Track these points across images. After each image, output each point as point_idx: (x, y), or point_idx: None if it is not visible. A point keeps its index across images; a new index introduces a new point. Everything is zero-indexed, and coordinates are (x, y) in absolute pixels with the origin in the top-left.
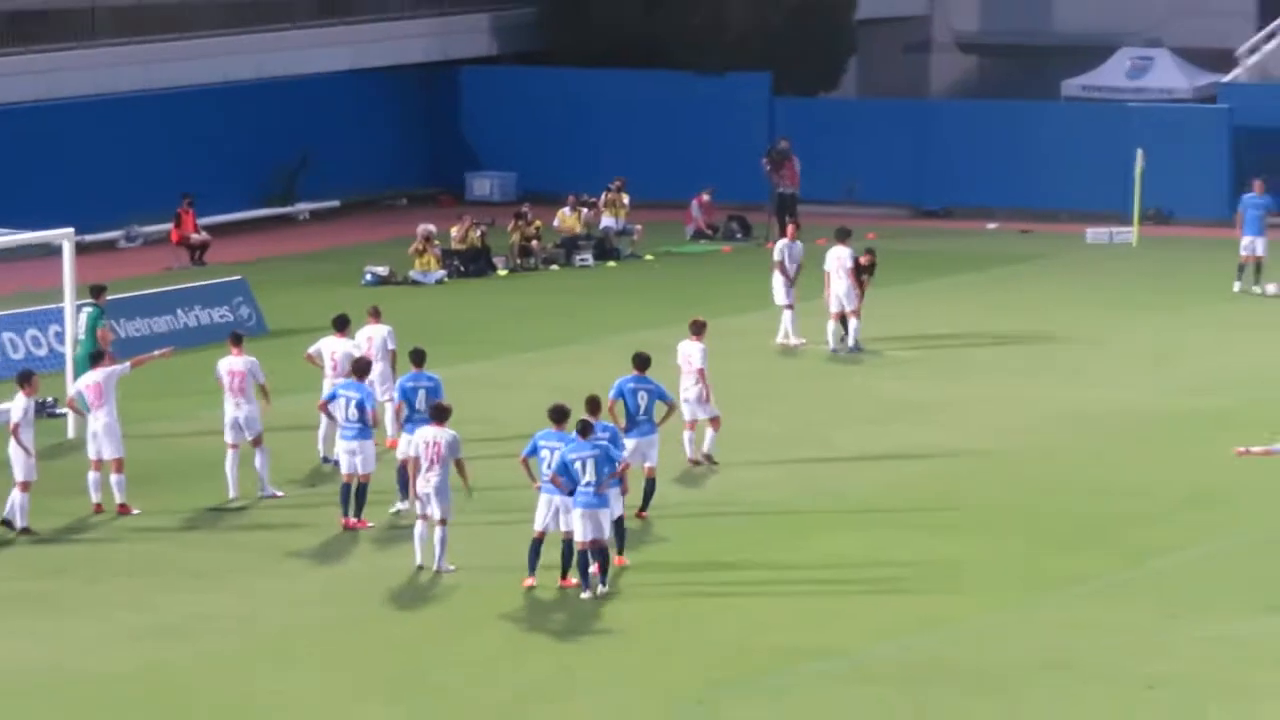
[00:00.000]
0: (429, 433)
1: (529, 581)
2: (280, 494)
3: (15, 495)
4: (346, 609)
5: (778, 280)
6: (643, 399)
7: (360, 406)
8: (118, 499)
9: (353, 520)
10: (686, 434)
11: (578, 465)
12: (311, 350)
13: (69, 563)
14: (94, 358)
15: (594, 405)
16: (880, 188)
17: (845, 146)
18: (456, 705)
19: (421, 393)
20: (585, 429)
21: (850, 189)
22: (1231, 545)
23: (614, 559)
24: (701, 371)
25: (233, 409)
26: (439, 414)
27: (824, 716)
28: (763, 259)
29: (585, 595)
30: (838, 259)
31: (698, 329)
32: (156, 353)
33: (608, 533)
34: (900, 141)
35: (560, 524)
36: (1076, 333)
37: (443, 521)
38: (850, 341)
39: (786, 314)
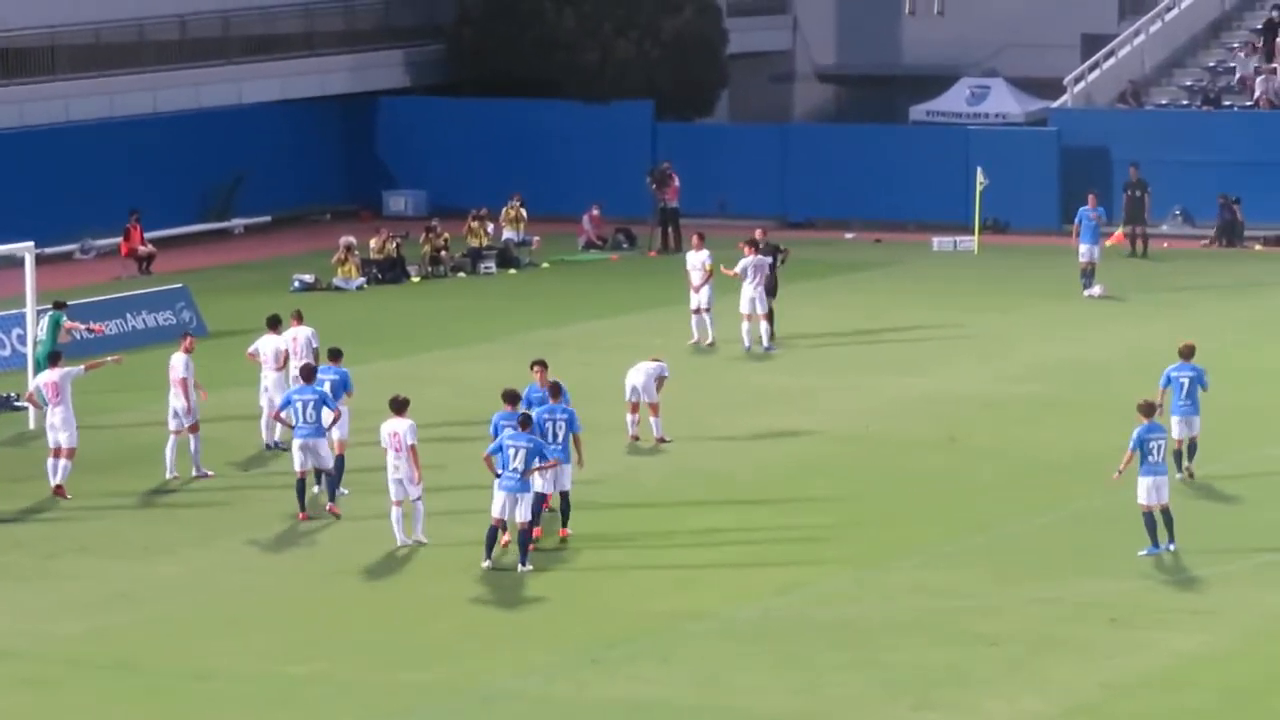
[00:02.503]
0: (391, 424)
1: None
2: (210, 474)
3: None
4: (281, 576)
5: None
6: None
7: (318, 407)
8: (55, 481)
9: (331, 507)
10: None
11: (511, 451)
12: (251, 349)
13: (26, 538)
14: (52, 357)
15: (514, 397)
16: (750, 201)
17: (719, 165)
18: (374, 658)
19: (326, 383)
20: (525, 422)
21: (722, 203)
22: (1060, 517)
23: (559, 530)
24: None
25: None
26: (399, 406)
27: (701, 668)
28: (646, 266)
29: (485, 565)
30: (754, 265)
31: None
32: (109, 359)
33: (527, 516)
34: (767, 161)
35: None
36: (926, 328)
37: (417, 499)
38: (765, 342)
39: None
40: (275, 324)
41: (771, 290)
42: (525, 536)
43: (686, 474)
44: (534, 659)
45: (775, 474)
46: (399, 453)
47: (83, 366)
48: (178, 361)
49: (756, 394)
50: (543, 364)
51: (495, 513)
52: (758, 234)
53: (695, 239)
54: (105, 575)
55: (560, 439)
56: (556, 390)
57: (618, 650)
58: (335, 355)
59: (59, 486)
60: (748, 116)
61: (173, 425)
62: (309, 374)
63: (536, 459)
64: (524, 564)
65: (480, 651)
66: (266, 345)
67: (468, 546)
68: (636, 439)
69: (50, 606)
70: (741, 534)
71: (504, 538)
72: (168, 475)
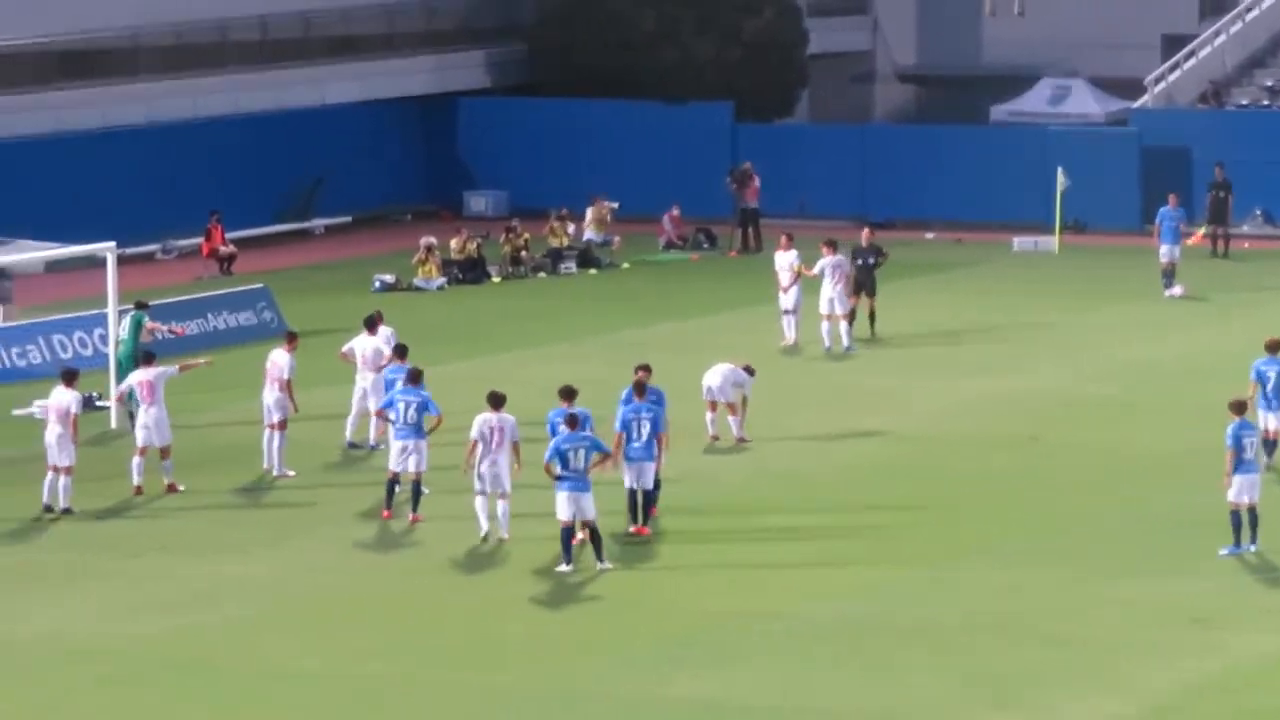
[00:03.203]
0: (490, 418)
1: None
2: (292, 473)
3: (60, 480)
4: (360, 576)
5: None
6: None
7: (420, 410)
8: (166, 480)
9: (412, 515)
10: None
11: (571, 453)
12: (345, 348)
13: (109, 539)
14: (146, 356)
15: (571, 393)
16: (830, 202)
17: (799, 166)
18: (452, 659)
19: (398, 383)
20: (572, 421)
21: (802, 204)
22: (1140, 516)
23: (635, 528)
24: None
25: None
26: (498, 401)
27: (779, 669)
28: (727, 266)
29: (564, 569)
30: (833, 265)
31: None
32: (201, 360)
33: (592, 514)
34: (847, 161)
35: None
36: (1006, 328)
37: (503, 495)
38: (845, 342)
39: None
40: (372, 324)
41: (871, 290)
42: (595, 534)
43: (765, 474)
44: (611, 659)
45: (854, 474)
46: (499, 447)
47: (177, 366)
48: (281, 359)
49: (836, 394)
50: (645, 369)
51: (563, 515)
52: (864, 235)
53: (783, 239)
54: (185, 574)
55: (645, 437)
56: (642, 388)
57: (695, 650)
58: (402, 352)
59: (171, 484)
60: (828, 117)
61: (268, 419)
62: (415, 375)
63: (597, 453)
64: (601, 561)
65: (559, 652)
66: (359, 346)
67: (546, 546)
68: (716, 439)
69: (131, 606)
70: (819, 534)
71: (580, 534)
72: (265, 467)
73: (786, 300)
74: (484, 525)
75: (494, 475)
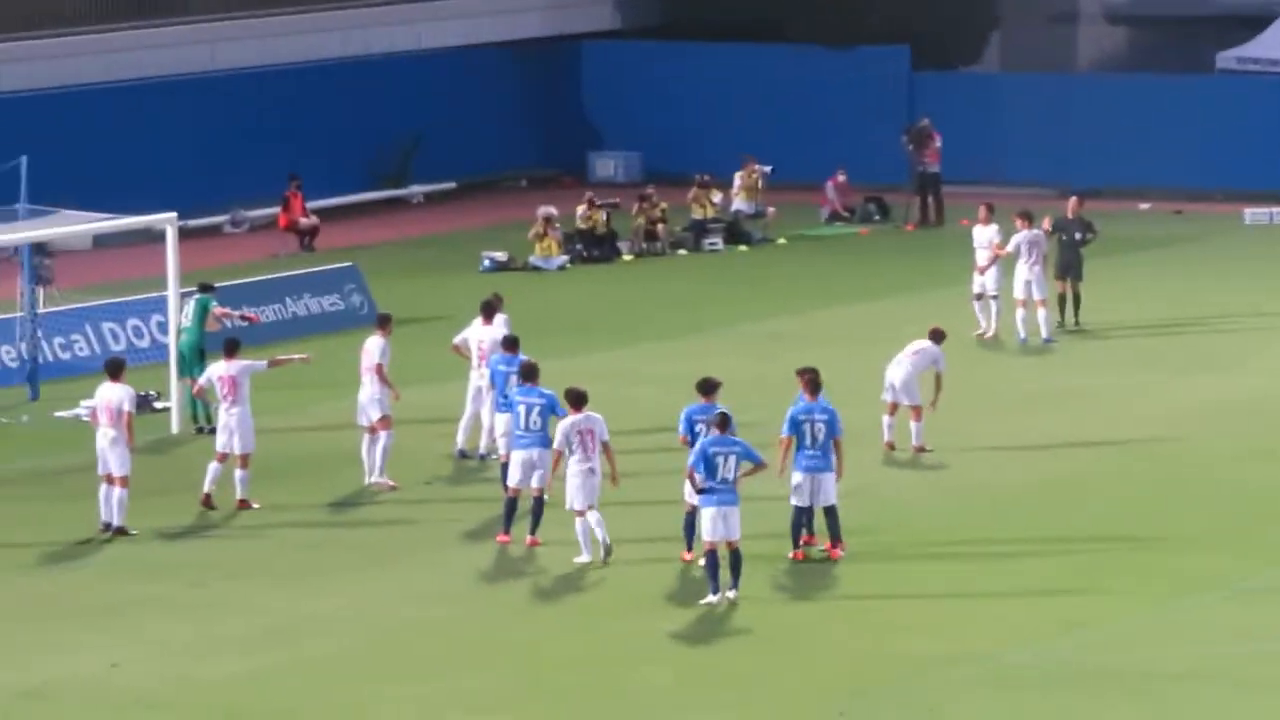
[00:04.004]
0: (578, 421)
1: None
2: (394, 484)
3: (115, 492)
4: (461, 608)
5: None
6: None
7: (544, 414)
8: (239, 494)
9: (530, 539)
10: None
11: (719, 459)
12: (458, 340)
13: (173, 564)
14: (230, 347)
15: (711, 386)
16: (1025, 165)
17: (988, 123)
18: (571, 710)
19: (513, 377)
20: (723, 422)
21: (991, 168)
22: None
23: (828, 549)
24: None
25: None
26: (579, 399)
27: None
28: (903, 241)
29: (713, 600)
30: (1029, 242)
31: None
32: (297, 357)
33: (738, 533)
34: (1046, 117)
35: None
36: (1237, 317)
37: (581, 512)
38: (1044, 332)
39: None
40: (489, 310)
41: (1077, 273)
42: (737, 557)
43: (949, 489)
44: (766, 711)
45: (1054, 490)
46: (591, 453)
47: (265, 361)
48: (373, 345)
49: (1033, 395)
50: (812, 372)
51: (709, 535)
52: (1071, 205)
53: (983, 211)
54: (259, 606)
55: (820, 443)
56: (815, 386)
57: (868, 700)
58: (512, 345)
59: (243, 499)
60: (1023, 65)
61: (363, 421)
62: (531, 372)
63: (749, 462)
64: (735, 588)
65: (700, 701)
66: (474, 336)
67: (678, 573)
68: (892, 447)
69: (194, 645)
70: (1013, 561)
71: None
72: (366, 480)
73: (983, 282)
74: (585, 553)
75: (591, 487)
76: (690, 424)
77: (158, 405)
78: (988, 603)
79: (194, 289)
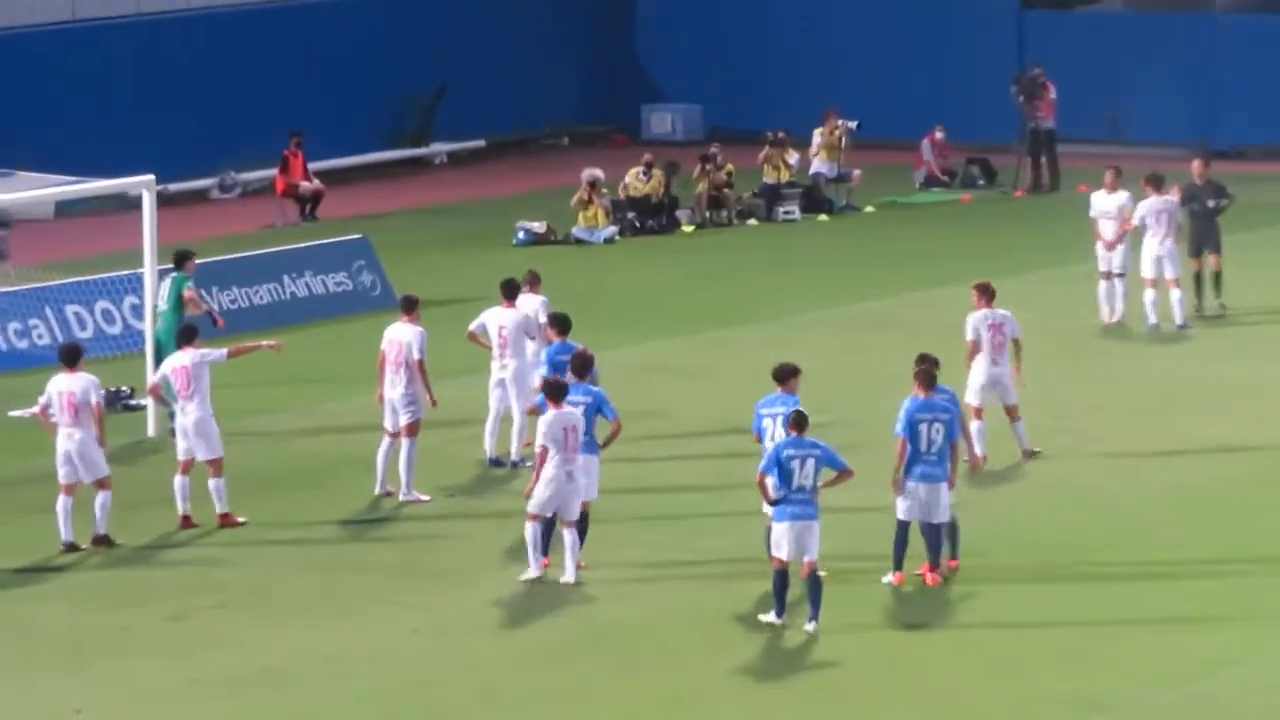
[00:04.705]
0: (565, 415)
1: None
2: (426, 498)
3: (97, 497)
4: (492, 645)
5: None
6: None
7: (591, 414)
8: (218, 508)
9: (575, 563)
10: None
11: (794, 463)
12: (474, 326)
13: (151, 591)
14: (186, 333)
15: (787, 373)
16: (1155, 121)
17: (1112, 71)
18: None
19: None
20: (799, 422)
21: (1114, 121)
22: None
23: (946, 562)
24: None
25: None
26: (558, 389)
27: None
28: (1012, 210)
29: (772, 619)
30: (1157, 211)
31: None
32: (264, 344)
33: (816, 552)
34: (1181, 64)
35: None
36: None
37: (569, 524)
38: (1177, 316)
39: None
40: (512, 290)
41: (1214, 246)
42: (816, 582)
43: (1064, 501)
44: None
45: (1192, 502)
46: (572, 454)
47: (225, 351)
48: (406, 334)
49: (1165, 391)
50: (930, 362)
51: (778, 552)
52: (1195, 167)
53: (1110, 176)
54: (253, 643)
55: (938, 447)
56: (930, 380)
57: None
58: (562, 325)
59: (225, 514)
60: (1152, 4)
61: (389, 425)
62: (583, 366)
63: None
64: (814, 620)
65: None
66: (494, 321)
67: (747, 602)
68: (983, 461)
69: (178, 688)
70: (1149, 585)
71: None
72: (377, 490)
73: (1111, 259)
74: (535, 567)
75: (571, 492)
76: (761, 422)
77: (132, 403)
78: (1123, 634)
79: (171, 265)
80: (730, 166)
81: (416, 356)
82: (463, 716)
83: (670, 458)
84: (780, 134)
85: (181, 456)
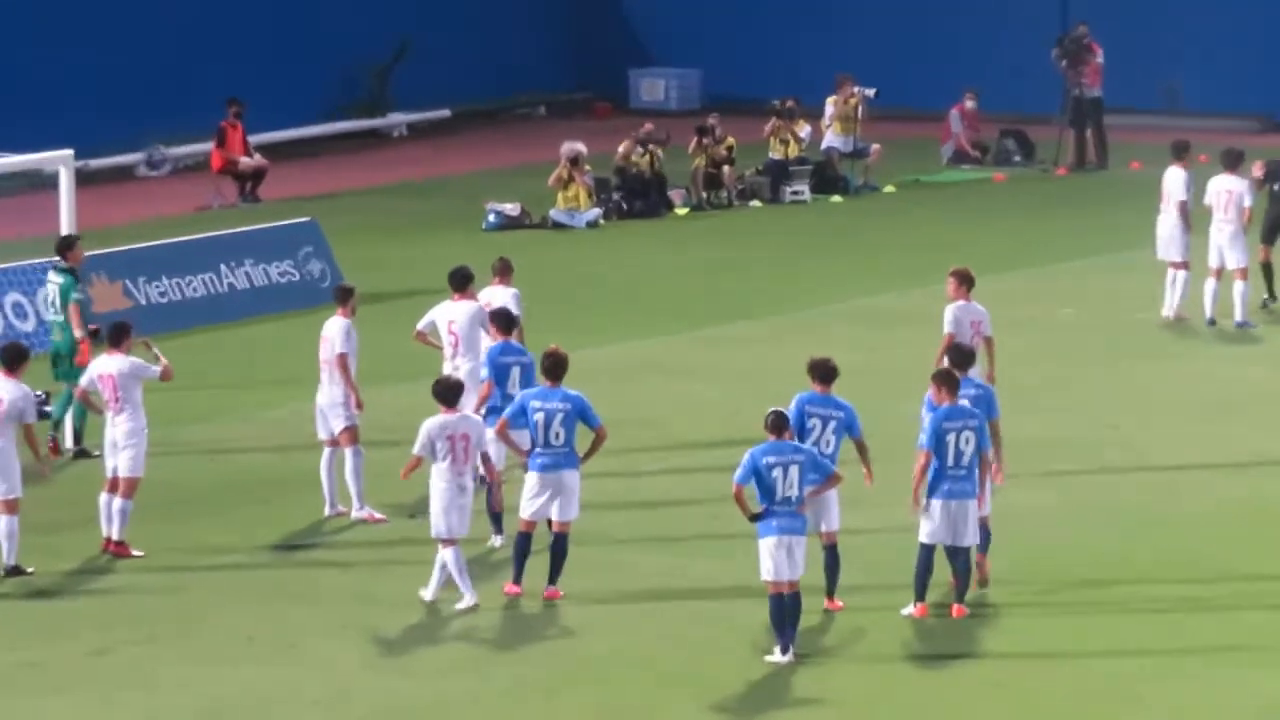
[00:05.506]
0: (450, 421)
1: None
2: (380, 517)
3: (1, 521)
4: (462, 683)
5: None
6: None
7: (569, 422)
8: (113, 534)
9: (550, 589)
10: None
11: (775, 473)
12: (422, 324)
13: (70, 622)
14: (116, 335)
15: (828, 372)
16: (1216, 90)
17: (1165, 34)
18: None
19: (516, 370)
20: (779, 425)
21: (1171, 91)
22: None
23: (982, 565)
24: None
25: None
26: (450, 395)
27: None
28: (1053, 190)
29: (779, 659)
30: (1226, 192)
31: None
32: (159, 362)
33: (802, 570)
34: (1244, 26)
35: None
36: None
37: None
38: (1239, 313)
39: (1180, 275)
40: (463, 283)
41: (1274, 234)
42: (795, 603)
43: (1105, 520)
44: None
45: (1251, 520)
46: (463, 465)
47: (160, 368)
48: (332, 329)
49: (1221, 396)
50: (953, 366)
51: (769, 575)
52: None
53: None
54: (187, 682)
55: (966, 460)
56: (955, 385)
57: None
58: (505, 323)
59: (118, 543)
60: None
61: (323, 434)
62: (556, 369)
63: (814, 476)
64: (790, 647)
65: None
66: (443, 317)
67: (749, 635)
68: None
69: None
70: (1202, 616)
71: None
72: (327, 511)
73: (1168, 248)
74: (432, 589)
75: (462, 509)
76: (803, 417)
77: (48, 409)
78: (1170, 670)
79: (55, 260)
80: (731, 140)
81: (337, 351)
82: None
83: (661, 471)
84: (788, 103)
85: (108, 473)
